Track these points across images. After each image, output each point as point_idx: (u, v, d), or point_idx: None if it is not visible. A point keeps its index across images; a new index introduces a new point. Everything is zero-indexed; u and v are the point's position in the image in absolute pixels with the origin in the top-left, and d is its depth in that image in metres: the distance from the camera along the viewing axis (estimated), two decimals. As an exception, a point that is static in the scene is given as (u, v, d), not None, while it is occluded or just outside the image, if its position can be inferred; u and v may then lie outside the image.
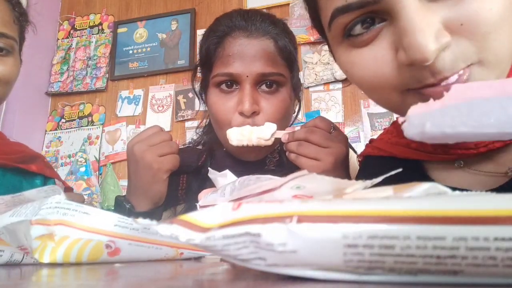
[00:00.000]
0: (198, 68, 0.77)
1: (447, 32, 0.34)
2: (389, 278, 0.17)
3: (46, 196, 0.37)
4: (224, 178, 0.46)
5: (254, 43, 0.67)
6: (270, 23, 0.71)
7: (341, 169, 0.60)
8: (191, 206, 0.69)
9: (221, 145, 0.76)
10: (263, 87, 0.68)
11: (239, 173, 0.80)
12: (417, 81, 0.37)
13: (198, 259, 0.42)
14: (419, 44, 0.33)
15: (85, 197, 1.80)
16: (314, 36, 1.89)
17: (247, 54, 0.66)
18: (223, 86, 0.68)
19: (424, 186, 0.24)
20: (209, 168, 0.53)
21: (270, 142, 0.62)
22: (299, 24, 1.95)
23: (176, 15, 2.19)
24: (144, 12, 2.26)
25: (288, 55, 0.70)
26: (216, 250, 0.20)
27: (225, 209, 0.20)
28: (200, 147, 0.82)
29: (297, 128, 0.63)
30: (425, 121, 0.29)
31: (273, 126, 0.63)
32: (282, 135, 0.62)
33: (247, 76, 0.66)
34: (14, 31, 0.74)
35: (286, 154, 0.62)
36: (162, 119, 2.07)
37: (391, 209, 0.16)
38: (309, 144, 0.59)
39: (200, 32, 2.14)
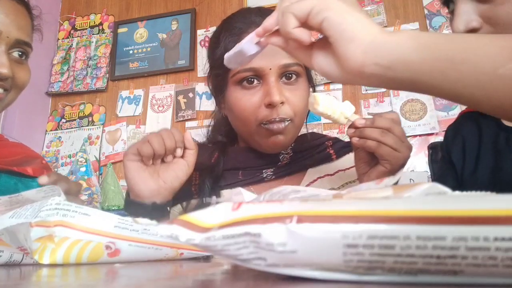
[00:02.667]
0: (209, 71, 0.78)
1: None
2: (389, 278, 0.17)
3: (45, 196, 0.37)
4: (240, 196, 0.43)
5: None
6: None
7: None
8: (204, 202, 0.69)
9: (233, 142, 0.77)
10: (284, 79, 0.69)
11: (252, 169, 0.78)
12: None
13: (207, 258, 0.42)
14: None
15: (85, 197, 1.80)
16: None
17: (267, 48, 0.67)
18: (245, 83, 0.69)
19: (424, 186, 0.24)
20: (216, 199, 0.52)
21: (345, 121, 0.60)
22: (299, 24, 1.95)
23: (176, 15, 2.19)
24: (145, 12, 2.26)
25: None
26: (216, 250, 0.19)
27: (225, 209, 0.20)
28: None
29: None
30: None
31: (353, 107, 0.61)
32: (357, 118, 0.59)
33: (270, 69, 0.67)
34: (32, 39, 0.77)
35: (351, 140, 0.60)
36: (162, 119, 2.07)
37: (391, 209, 0.16)
38: (393, 134, 0.58)
39: (200, 32, 2.14)
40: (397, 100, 1.77)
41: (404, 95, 1.76)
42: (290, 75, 0.69)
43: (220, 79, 0.73)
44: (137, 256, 0.37)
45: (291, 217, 0.17)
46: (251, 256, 0.19)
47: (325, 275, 0.18)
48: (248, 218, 0.19)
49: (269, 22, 0.43)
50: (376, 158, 0.60)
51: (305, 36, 0.42)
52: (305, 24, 0.41)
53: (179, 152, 0.64)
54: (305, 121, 0.76)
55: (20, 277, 0.28)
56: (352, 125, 0.59)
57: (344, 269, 0.17)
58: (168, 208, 0.66)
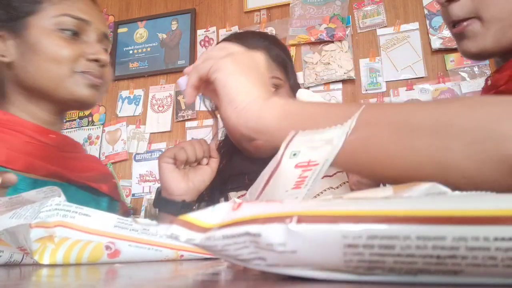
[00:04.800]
0: None
1: None
2: (389, 278, 0.17)
3: (45, 197, 0.37)
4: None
5: None
6: (260, 38, 0.84)
7: None
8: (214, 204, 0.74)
9: (239, 151, 0.84)
10: None
11: (257, 173, 0.84)
12: None
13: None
14: None
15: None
16: (314, 36, 1.90)
17: None
18: None
19: (424, 186, 0.24)
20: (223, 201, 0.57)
21: None
22: (299, 24, 1.95)
23: (176, 15, 2.19)
24: (145, 12, 2.26)
25: (280, 61, 0.81)
26: (216, 250, 0.19)
27: (225, 209, 0.20)
28: None
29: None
30: None
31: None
32: None
33: None
34: None
35: None
36: (162, 119, 2.07)
37: (391, 209, 0.16)
38: None
39: (200, 32, 2.14)
40: (397, 100, 1.77)
41: (404, 95, 1.76)
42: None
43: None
44: (137, 257, 0.37)
45: (291, 217, 0.17)
46: (251, 256, 0.19)
47: (325, 275, 0.18)
48: (248, 218, 0.19)
49: (186, 69, 0.49)
50: None
51: (190, 99, 0.47)
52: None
53: (205, 160, 0.74)
54: None
55: (20, 277, 0.28)
56: None
57: (344, 269, 0.17)
58: (194, 207, 0.74)
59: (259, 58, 0.46)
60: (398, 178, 0.32)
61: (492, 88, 0.58)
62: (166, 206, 0.71)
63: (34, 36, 0.67)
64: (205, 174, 0.73)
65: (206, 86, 0.46)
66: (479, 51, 0.55)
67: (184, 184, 0.71)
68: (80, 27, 0.69)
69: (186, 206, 0.71)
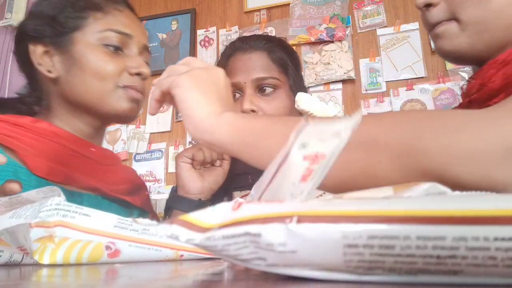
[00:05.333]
0: None
1: None
2: (389, 278, 0.17)
3: (45, 197, 0.37)
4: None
5: (249, 57, 0.83)
6: (263, 40, 0.87)
7: None
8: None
9: None
10: (261, 91, 0.82)
11: (259, 173, 0.89)
12: None
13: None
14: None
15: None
16: (314, 36, 1.90)
17: (244, 65, 0.83)
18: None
19: (424, 186, 0.24)
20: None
21: None
22: (299, 24, 1.95)
23: (176, 15, 2.19)
24: (144, 12, 2.26)
25: (281, 63, 0.84)
26: (216, 250, 0.20)
27: (225, 209, 0.20)
28: None
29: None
30: None
31: (336, 109, 0.66)
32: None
33: (245, 83, 0.81)
34: None
35: None
36: (162, 119, 2.07)
37: (391, 209, 0.16)
38: None
39: (200, 32, 2.14)
40: (397, 100, 1.77)
41: (404, 95, 1.76)
42: (268, 87, 0.81)
43: None
44: (137, 257, 0.37)
45: (291, 217, 0.17)
46: (251, 256, 0.19)
47: (325, 275, 0.18)
48: (248, 218, 0.19)
49: (154, 81, 0.52)
50: None
51: (152, 111, 0.51)
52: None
53: (218, 162, 0.78)
54: None
55: (20, 277, 0.28)
56: None
57: (344, 269, 0.17)
58: (208, 206, 0.74)
59: (218, 73, 0.49)
60: (336, 188, 0.35)
61: (466, 96, 0.59)
62: (182, 204, 0.73)
63: (79, 52, 0.68)
64: (218, 175, 0.77)
65: (170, 98, 0.49)
66: (453, 49, 0.56)
67: (201, 184, 0.74)
68: (123, 41, 0.71)
69: (202, 205, 0.72)
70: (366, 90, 1.82)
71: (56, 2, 0.71)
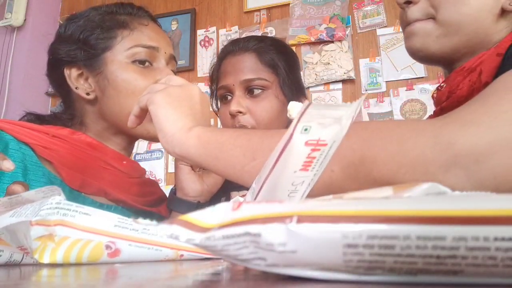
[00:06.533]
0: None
1: None
2: (389, 278, 0.17)
3: (45, 196, 0.37)
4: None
5: (238, 59, 0.85)
6: (254, 41, 0.87)
7: None
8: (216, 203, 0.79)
9: None
10: (250, 92, 0.83)
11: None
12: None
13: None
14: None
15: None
16: (314, 36, 1.90)
17: (233, 68, 0.85)
18: (223, 99, 0.86)
19: (424, 186, 0.25)
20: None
21: None
22: (299, 24, 1.95)
23: (176, 15, 2.19)
24: (144, 12, 2.26)
25: (271, 63, 0.85)
26: (216, 250, 0.20)
27: (225, 209, 0.20)
28: None
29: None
30: None
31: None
32: None
33: (234, 85, 0.83)
34: None
35: None
36: (162, 119, 2.07)
37: (391, 209, 0.16)
38: None
39: (200, 32, 2.14)
40: (397, 100, 1.77)
41: (404, 95, 1.76)
42: (256, 89, 0.83)
43: (216, 95, 0.92)
44: (137, 257, 0.37)
45: (291, 217, 0.17)
46: (251, 256, 0.19)
47: (325, 275, 0.18)
48: (248, 218, 0.19)
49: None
50: None
51: (131, 124, 0.55)
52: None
53: None
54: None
55: (20, 277, 0.28)
56: None
57: (344, 269, 0.17)
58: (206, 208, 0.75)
59: (193, 90, 0.52)
60: None
61: (437, 104, 0.59)
62: (181, 206, 0.73)
63: (112, 72, 0.70)
64: (217, 177, 0.76)
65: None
66: (422, 47, 0.56)
67: (200, 186, 0.74)
68: (151, 55, 0.72)
69: (201, 207, 0.72)
70: (366, 90, 1.82)
71: (85, 24, 0.72)
